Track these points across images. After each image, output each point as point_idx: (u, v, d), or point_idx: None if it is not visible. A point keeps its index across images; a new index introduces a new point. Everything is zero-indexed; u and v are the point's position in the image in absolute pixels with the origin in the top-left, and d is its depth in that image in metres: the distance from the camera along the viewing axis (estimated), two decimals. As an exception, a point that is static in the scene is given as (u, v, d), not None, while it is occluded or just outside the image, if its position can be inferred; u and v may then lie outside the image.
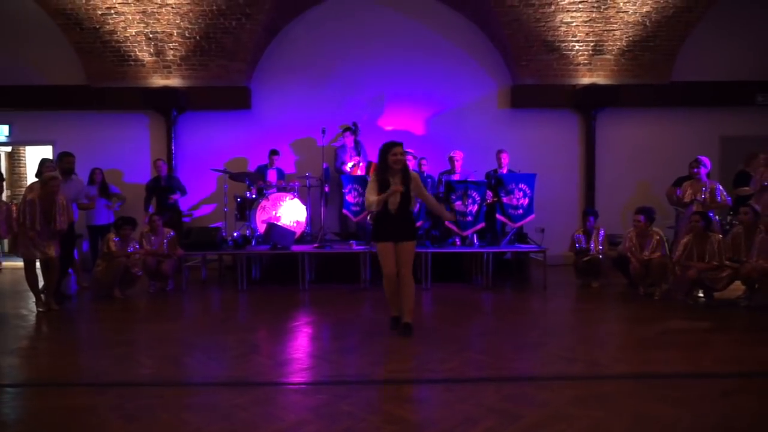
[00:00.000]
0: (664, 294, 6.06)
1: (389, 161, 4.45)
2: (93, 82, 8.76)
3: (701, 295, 5.86)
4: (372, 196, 4.48)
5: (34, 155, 10.71)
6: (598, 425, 2.84)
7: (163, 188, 8.21)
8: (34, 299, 5.75)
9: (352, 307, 5.90)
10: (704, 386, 3.42)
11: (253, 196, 7.70)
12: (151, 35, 8.46)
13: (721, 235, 5.88)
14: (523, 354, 4.14)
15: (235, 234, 7.40)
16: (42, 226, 5.49)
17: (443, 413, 3.02)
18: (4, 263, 8.90)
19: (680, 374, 3.66)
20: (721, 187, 6.43)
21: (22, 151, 11.08)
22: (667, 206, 7.64)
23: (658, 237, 6.31)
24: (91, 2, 8.16)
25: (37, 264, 5.71)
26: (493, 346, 4.36)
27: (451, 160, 7.79)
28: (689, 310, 5.56)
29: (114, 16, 8.30)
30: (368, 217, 6.73)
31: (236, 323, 5.40)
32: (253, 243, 7.28)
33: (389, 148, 4.46)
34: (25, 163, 11.09)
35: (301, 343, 4.59)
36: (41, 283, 5.77)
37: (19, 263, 6.29)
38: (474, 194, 6.91)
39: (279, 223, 7.26)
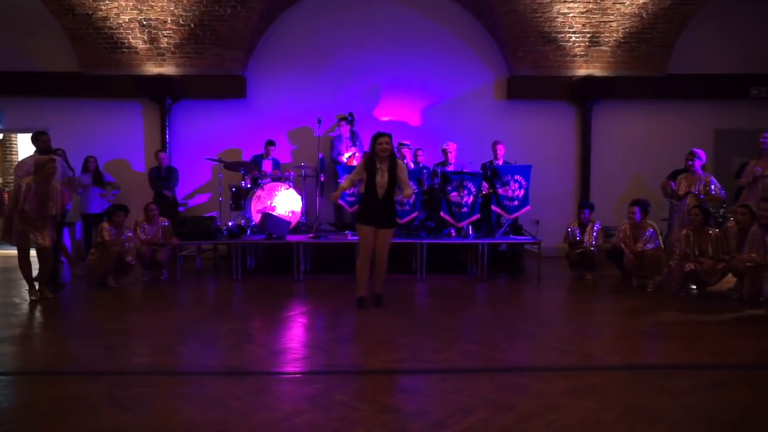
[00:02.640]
0: (658, 286, 6.10)
1: (377, 149, 4.96)
2: (86, 69, 8.67)
3: (693, 287, 5.90)
4: (345, 182, 5.17)
5: (26, 143, 10.62)
6: (591, 415, 2.86)
7: (162, 179, 8.19)
8: (27, 287, 5.72)
9: (347, 297, 5.89)
10: (696, 377, 3.45)
11: (248, 185, 7.66)
12: (144, 22, 8.37)
13: (717, 230, 5.92)
14: (517, 345, 4.16)
15: (229, 223, 7.38)
16: (37, 211, 5.44)
17: (437, 403, 3.03)
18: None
19: (672, 365, 3.69)
20: (715, 180, 6.44)
21: (13, 139, 10.99)
22: (661, 198, 7.66)
23: (652, 229, 6.34)
24: (84, -12, 8.06)
25: (32, 252, 5.68)
26: (487, 336, 4.38)
27: (445, 152, 7.78)
28: (682, 302, 5.60)
29: (107, 2, 8.20)
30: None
31: (231, 313, 5.39)
32: (248, 233, 7.26)
33: (377, 138, 4.99)
34: (16, 151, 11.00)
35: (295, 333, 4.60)
36: (35, 271, 5.74)
37: (10, 251, 6.25)
38: (470, 185, 6.91)
39: (274, 213, 7.23)
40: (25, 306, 5.43)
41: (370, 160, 5.01)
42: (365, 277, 5.19)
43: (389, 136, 5.01)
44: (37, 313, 5.20)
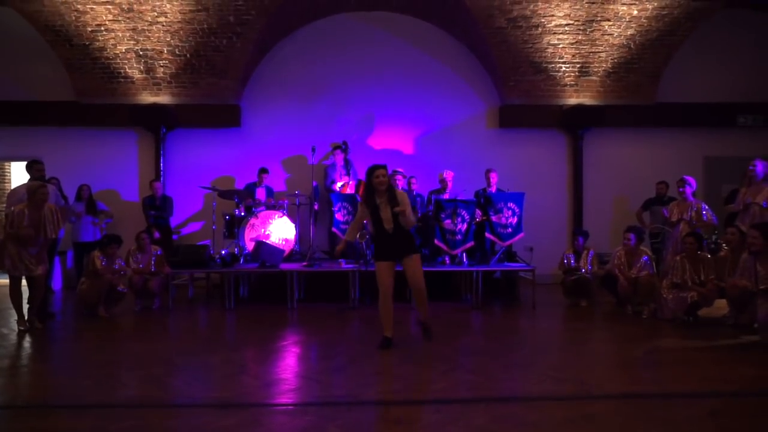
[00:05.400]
0: (652, 313, 6.09)
1: (374, 183, 4.71)
2: (82, 98, 8.73)
3: (689, 317, 5.87)
4: (349, 234, 5.16)
5: (20, 171, 10.61)
6: (588, 447, 2.82)
7: (157, 208, 8.18)
8: (15, 317, 5.63)
9: (340, 326, 5.85)
10: (692, 406, 3.42)
11: (242, 213, 7.66)
12: (141, 52, 8.47)
13: (709, 255, 5.97)
14: (513, 374, 4.12)
15: (223, 252, 7.34)
16: (31, 233, 5.38)
17: (432, 435, 2.98)
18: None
19: (668, 394, 3.65)
20: (706, 206, 6.51)
21: (6, 167, 10.98)
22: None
23: (646, 256, 6.37)
24: (81, 19, 8.17)
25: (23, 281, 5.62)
26: (483, 365, 4.34)
27: (443, 180, 7.82)
28: (676, 328, 5.58)
29: (104, 33, 8.31)
30: (357, 237, 6.72)
31: (223, 343, 5.32)
32: (242, 261, 7.22)
33: (373, 171, 4.74)
34: (10, 179, 10.98)
35: (288, 363, 4.54)
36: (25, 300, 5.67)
37: (1, 280, 6.17)
38: (463, 213, 6.94)
39: (268, 241, 7.21)
40: (14, 336, 5.34)
41: (368, 196, 4.76)
42: (389, 316, 4.79)
43: (385, 167, 4.79)
44: (26, 344, 5.11)
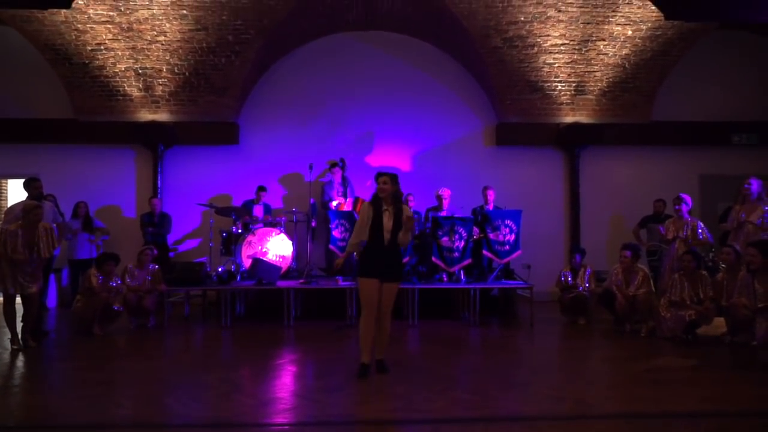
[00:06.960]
0: (651, 331, 6.07)
1: (377, 190, 4.58)
2: (80, 116, 8.76)
3: (688, 336, 5.85)
4: (353, 238, 4.61)
5: (17, 189, 10.60)
6: (588, 467, 2.79)
7: (155, 225, 8.16)
8: (8, 336, 5.57)
9: (337, 344, 5.82)
10: (692, 426, 3.39)
11: (239, 230, 7.65)
12: (140, 71, 8.54)
13: (705, 272, 5.97)
14: (511, 393, 4.09)
15: (219, 269, 7.31)
16: (24, 256, 5.37)
17: (430, 455, 2.95)
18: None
19: (668, 413, 3.63)
20: (702, 225, 6.53)
21: (4, 184, 10.97)
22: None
23: (643, 273, 6.37)
24: (81, 38, 8.25)
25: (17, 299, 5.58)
26: (481, 384, 4.30)
27: (439, 197, 7.84)
28: (675, 347, 5.55)
29: (104, 51, 8.38)
30: (355, 254, 6.72)
31: (219, 361, 5.28)
32: (238, 278, 7.19)
33: (377, 178, 4.65)
34: (7, 196, 10.97)
35: (285, 382, 4.49)
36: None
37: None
38: (461, 230, 6.95)
39: (265, 259, 7.19)
40: (7, 355, 5.28)
41: (375, 201, 4.54)
42: (370, 340, 4.42)
43: (389, 176, 4.56)
44: (19, 363, 5.06)
